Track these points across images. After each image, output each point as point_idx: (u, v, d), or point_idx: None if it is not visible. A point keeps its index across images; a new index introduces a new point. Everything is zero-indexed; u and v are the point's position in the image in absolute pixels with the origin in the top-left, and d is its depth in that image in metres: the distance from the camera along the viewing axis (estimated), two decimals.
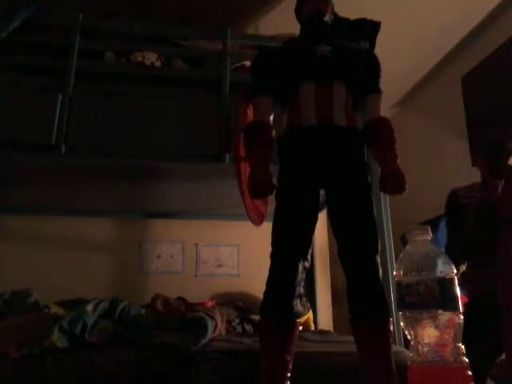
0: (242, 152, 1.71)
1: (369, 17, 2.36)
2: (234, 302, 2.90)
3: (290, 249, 1.26)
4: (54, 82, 2.07)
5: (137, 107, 2.09)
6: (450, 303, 0.72)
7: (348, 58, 1.44)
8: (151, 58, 2.25)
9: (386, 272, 1.76)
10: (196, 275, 3.18)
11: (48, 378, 1.48)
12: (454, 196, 1.72)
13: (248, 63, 2.33)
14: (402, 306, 0.76)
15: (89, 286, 2.75)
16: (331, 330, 2.99)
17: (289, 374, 1.20)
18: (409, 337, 0.75)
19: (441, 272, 0.73)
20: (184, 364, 1.56)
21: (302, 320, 2.61)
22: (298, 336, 1.30)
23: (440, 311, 0.72)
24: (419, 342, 0.72)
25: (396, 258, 1.98)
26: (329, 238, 3.38)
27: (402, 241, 2.28)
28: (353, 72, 1.42)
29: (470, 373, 0.71)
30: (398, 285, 0.77)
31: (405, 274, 0.76)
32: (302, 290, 1.27)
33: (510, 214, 1.19)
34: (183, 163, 2.17)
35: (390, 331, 1.20)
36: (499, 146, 1.72)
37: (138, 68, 2.22)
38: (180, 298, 2.65)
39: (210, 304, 2.67)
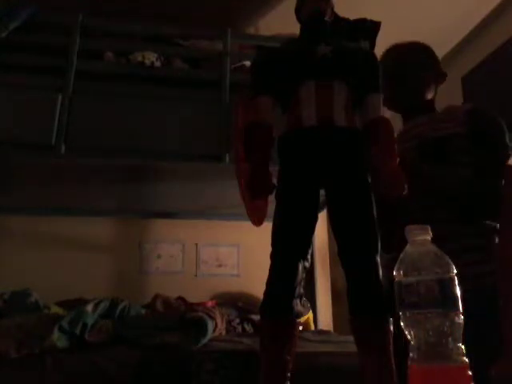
0: (242, 152, 1.71)
1: (369, 16, 2.36)
2: (234, 302, 2.90)
3: (289, 249, 1.26)
4: (54, 82, 2.07)
5: (137, 107, 2.09)
6: (450, 303, 0.72)
7: (348, 58, 1.44)
8: (151, 57, 2.25)
9: None
10: (196, 275, 3.18)
11: (48, 378, 1.48)
12: None
13: (248, 63, 2.34)
14: (402, 306, 0.76)
15: (89, 286, 2.75)
16: (331, 329, 2.99)
17: (289, 374, 1.20)
18: (409, 337, 0.74)
19: (441, 272, 0.73)
20: (184, 364, 1.56)
21: (301, 320, 2.61)
22: (298, 336, 1.30)
23: (440, 311, 0.72)
24: (419, 342, 0.72)
25: None
26: (329, 238, 3.37)
27: None
28: (353, 72, 1.42)
29: (470, 373, 0.71)
30: (398, 285, 0.77)
31: (405, 274, 0.76)
32: (301, 290, 1.27)
33: (511, 214, 1.19)
34: (183, 163, 2.17)
35: (390, 331, 1.20)
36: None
37: (138, 68, 2.23)
38: (180, 298, 2.65)
39: (209, 304, 2.67)
